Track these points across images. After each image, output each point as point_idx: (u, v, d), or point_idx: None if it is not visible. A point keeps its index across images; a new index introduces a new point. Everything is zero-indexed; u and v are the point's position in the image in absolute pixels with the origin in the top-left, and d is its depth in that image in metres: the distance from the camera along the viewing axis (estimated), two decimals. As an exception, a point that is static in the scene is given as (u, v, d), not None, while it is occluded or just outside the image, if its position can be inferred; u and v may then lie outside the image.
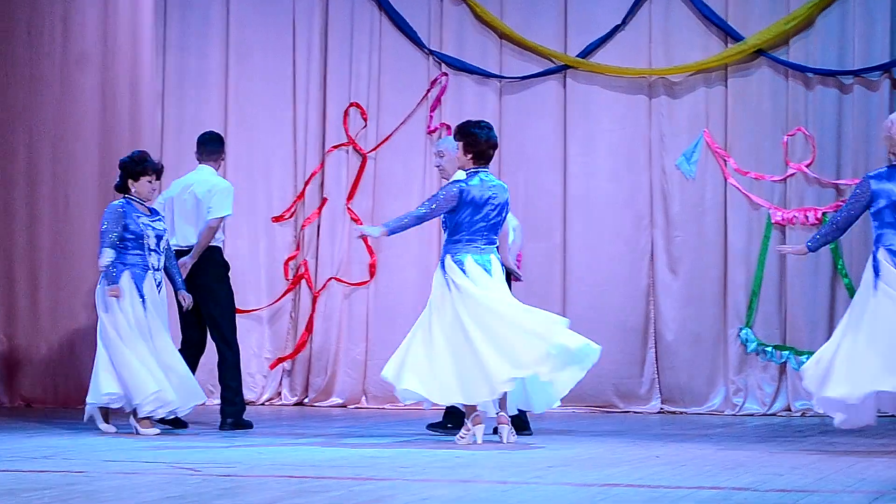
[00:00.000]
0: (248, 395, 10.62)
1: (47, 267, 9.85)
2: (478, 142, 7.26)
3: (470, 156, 7.28)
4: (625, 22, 10.22)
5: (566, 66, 10.32)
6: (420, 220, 7.27)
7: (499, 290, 7.16)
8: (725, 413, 9.90)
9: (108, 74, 9.97)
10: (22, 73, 9.90)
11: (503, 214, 7.32)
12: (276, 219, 10.64)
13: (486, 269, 7.16)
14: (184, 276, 8.00)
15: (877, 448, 6.80)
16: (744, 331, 9.94)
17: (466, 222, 7.18)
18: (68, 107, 9.94)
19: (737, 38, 10.05)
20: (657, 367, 10.09)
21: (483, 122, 7.44)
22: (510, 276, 7.64)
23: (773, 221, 9.83)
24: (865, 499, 4.79)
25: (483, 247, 7.20)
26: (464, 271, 7.12)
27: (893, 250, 6.78)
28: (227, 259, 8.38)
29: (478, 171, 7.26)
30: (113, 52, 10.01)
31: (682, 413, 9.95)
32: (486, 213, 7.19)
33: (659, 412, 10.00)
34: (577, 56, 10.28)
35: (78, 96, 9.92)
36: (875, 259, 6.79)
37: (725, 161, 10.02)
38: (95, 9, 9.99)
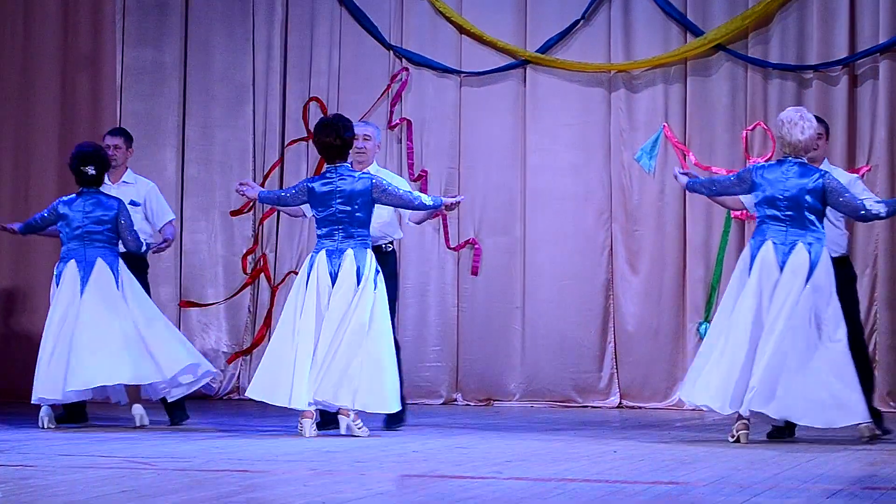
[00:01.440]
0: (205, 389, 10.59)
1: (5, 260, 9.78)
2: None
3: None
4: (584, 17, 10.24)
5: (526, 62, 10.33)
6: None
7: None
8: (684, 408, 9.93)
9: (68, 68, 9.91)
10: (-18, 67, 9.85)
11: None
12: (234, 213, 10.60)
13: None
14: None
15: (835, 444, 6.83)
16: (703, 325, 9.98)
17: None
18: (30, 100, 9.88)
19: (696, 33, 10.09)
20: (616, 362, 10.12)
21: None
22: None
23: (732, 216, 9.87)
24: (823, 494, 4.80)
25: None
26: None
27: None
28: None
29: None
30: (73, 46, 9.94)
31: (640, 408, 9.98)
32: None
33: (618, 407, 10.03)
34: (537, 51, 10.29)
35: (38, 90, 9.85)
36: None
37: (685, 155, 10.06)
38: (56, 6, 9.93)
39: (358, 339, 7.00)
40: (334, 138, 7.17)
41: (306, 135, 10.59)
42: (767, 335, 6.75)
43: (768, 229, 6.90)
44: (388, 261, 7.63)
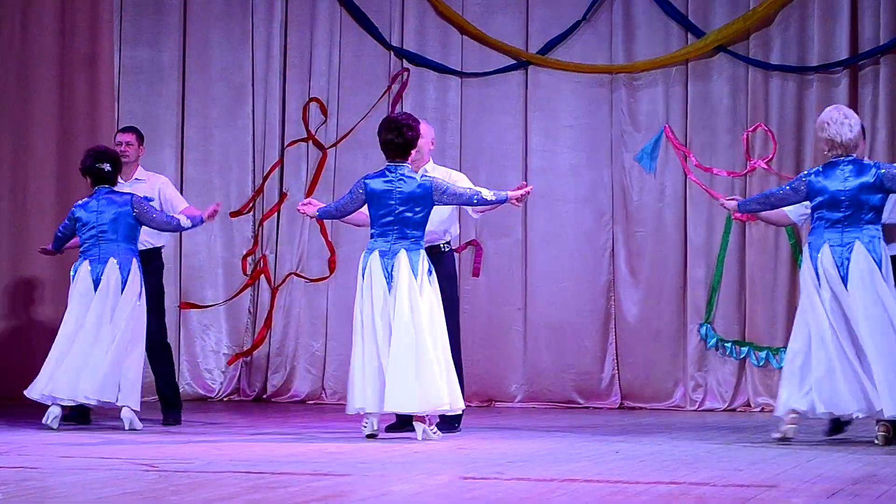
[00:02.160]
0: (205, 391, 10.60)
1: (5, 259, 9.77)
2: None
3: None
4: (585, 18, 10.24)
5: (527, 63, 10.32)
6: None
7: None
8: (685, 409, 9.95)
9: (66, 69, 9.90)
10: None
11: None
12: (234, 214, 10.59)
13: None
14: None
15: (835, 444, 6.84)
16: (704, 326, 9.98)
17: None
18: (28, 101, 9.88)
19: (697, 34, 10.08)
20: (617, 363, 10.12)
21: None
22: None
23: (733, 217, 9.87)
24: (823, 494, 4.81)
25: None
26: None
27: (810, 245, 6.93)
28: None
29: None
30: (71, 47, 9.94)
31: (641, 409, 9.98)
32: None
33: (619, 408, 10.03)
34: (538, 52, 10.29)
35: (36, 90, 9.84)
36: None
37: (686, 156, 10.06)
38: (54, 5, 9.92)
39: (421, 342, 6.92)
40: (396, 135, 7.08)
41: (306, 135, 10.59)
42: (850, 336, 6.73)
43: (824, 232, 6.85)
44: (446, 261, 7.55)
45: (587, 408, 10.02)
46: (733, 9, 10.05)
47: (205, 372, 10.61)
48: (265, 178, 10.60)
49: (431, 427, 7.00)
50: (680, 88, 10.14)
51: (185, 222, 7.79)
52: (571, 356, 10.17)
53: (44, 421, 7.54)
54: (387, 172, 7.12)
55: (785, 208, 7.24)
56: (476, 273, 10.30)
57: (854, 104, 9.78)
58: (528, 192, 7.20)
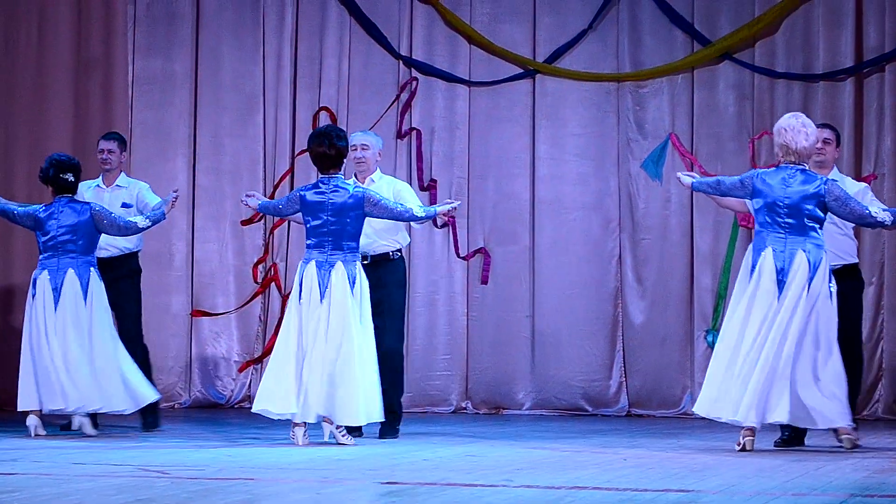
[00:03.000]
0: (216, 398, 10.64)
1: (21, 270, 9.79)
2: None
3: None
4: (592, 26, 10.28)
5: (535, 71, 10.36)
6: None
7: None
8: (693, 416, 9.94)
9: (80, 78, 9.96)
10: (-1, 79, 9.91)
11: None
12: (245, 222, 10.63)
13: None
14: None
15: (844, 451, 6.83)
16: (711, 333, 10.00)
17: None
18: (43, 111, 9.93)
19: (703, 41, 10.12)
20: (624, 370, 10.14)
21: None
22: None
23: (739, 223, 9.90)
24: (833, 502, 4.81)
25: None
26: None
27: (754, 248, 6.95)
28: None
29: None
30: (85, 56, 9.99)
31: (649, 416, 9.99)
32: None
33: (626, 415, 10.05)
34: (545, 61, 10.33)
35: (51, 99, 9.90)
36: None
37: (692, 164, 10.09)
38: (70, 15, 9.98)
39: (335, 351, 7.01)
40: (328, 147, 7.18)
41: (316, 144, 10.63)
42: (777, 344, 6.77)
43: (768, 236, 6.89)
44: (396, 269, 7.67)
45: (595, 415, 10.05)
46: (739, 16, 10.08)
47: (216, 379, 10.65)
48: (276, 187, 10.64)
49: (340, 430, 7.08)
50: (686, 96, 10.17)
51: (143, 223, 7.74)
52: (579, 363, 10.19)
53: (30, 432, 7.57)
54: (320, 184, 7.24)
55: (746, 201, 7.26)
56: (484, 280, 10.34)
57: (859, 111, 9.82)
58: (455, 208, 7.38)
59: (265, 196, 10.60)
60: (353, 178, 7.66)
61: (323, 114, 10.63)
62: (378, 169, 7.81)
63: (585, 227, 10.27)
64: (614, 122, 10.27)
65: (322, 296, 7.07)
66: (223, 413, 10.15)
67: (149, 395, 7.73)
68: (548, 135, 10.36)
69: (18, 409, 7.66)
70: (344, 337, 7.03)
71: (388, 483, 5.35)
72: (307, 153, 7.42)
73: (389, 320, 7.53)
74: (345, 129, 10.54)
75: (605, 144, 10.28)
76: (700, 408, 6.99)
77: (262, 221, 10.68)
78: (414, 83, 10.51)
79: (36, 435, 7.53)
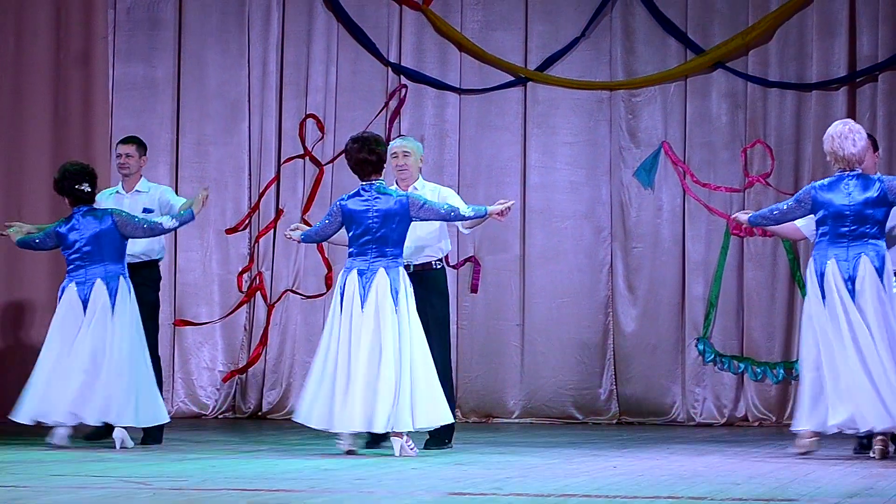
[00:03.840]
0: (200, 408, 10.60)
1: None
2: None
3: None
4: (585, 34, 10.27)
5: (526, 79, 10.35)
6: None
7: None
8: (683, 423, 9.98)
9: (59, 84, 9.92)
10: (-23, 83, 9.86)
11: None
12: (230, 231, 10.60)
13: None
14: None
15: (833, 457, 6.86)
16: (702, 341, 10.01)
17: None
18: (22, 118, 9.89)
19: (696, 50, 10.12)
20: (615, 379, 10.15)
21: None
22: None
23: (731, 232, 9.90)
24: (823, 507, 4.82)
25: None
26: None
27: (814, 258, 6.93)
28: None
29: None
30: (65, 63, 9.96)
31: (640, 423, 10.01)
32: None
33: (617, 423, 10.07)
34: (536, 69, 10.32)
35: (31, 107, 9.86)
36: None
37: (684, 172, 10.08)
38: (49, 19, 9.95)
39: (403, 361, 6.91)
40: (368, 153, 7.05)
41: (303, 152, 10.61)
42: (863, 350, 6.73)
43: (829, 246, 6.85)
44: (437, 278, 7.50)
45: (585, 423, 10.08)
46: (732, 25, 10.10)
47: (199, 389, 10.61)
48: (261, 195, 10.62)
49: (408, 443, 6.99)
50: (679, 105, 10.18)
51: (169, 223, 7.64)
52: (569, 372, 10.20)
53: (53, 441, 7.49)
54: (362, 192, 7.10)
55: (797, 222, 7.23)
56: (474, 289, 10.33)
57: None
58: (510, 207, 7.22)
59: (249, 204, 10.61)
60: (395, 185, 7.49)
61: (310, 121, 10.60)
62: (421, 176, 7.64)
63: (577, 236, 10.27)
64: (606, 131, 10.27)
65: (363, 304, 6.96)
66: (207, 423, 10.11)
67: (158, 416, 7.59)
68: (539, 143, 10.36)
69: (13, 418, 7.56)
70: (384, 344, 6.91)
71: (376, 492, 5.32)
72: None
73: (435, 333, 7.30)
74: (332, 136, 10.57)
75: (597, 153, 10.28)
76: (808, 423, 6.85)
77: (248, 230, 10.64)
78: (403, 90, 10.49)
79: (60, 446, 7.43)
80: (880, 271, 6.78)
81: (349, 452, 7.00)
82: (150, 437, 7.83)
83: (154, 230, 7.65)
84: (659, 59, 10.22)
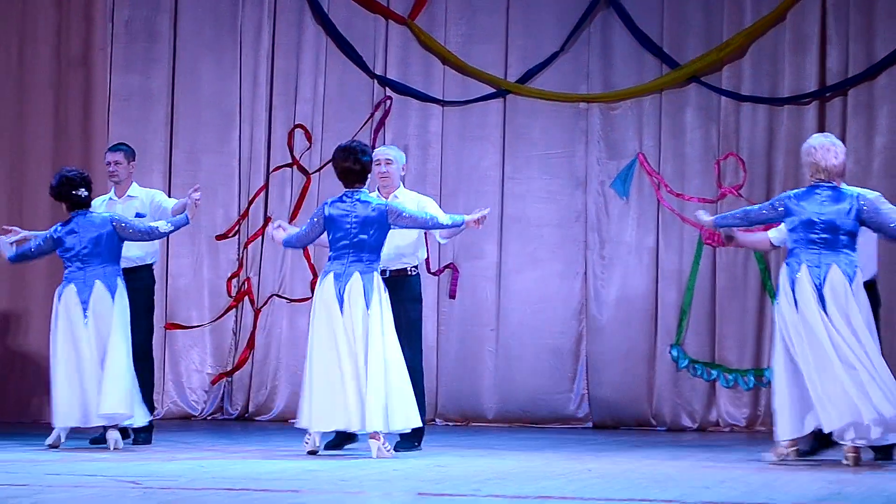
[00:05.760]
0: (189, 410, 10.69)
1: (1, 282, 9.81)
2: None
3: None
4: (563, 48, 10.40)
5: (506, 91, 10.48)
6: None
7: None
8: (656, 428, 10.06)
9: (60, 93, 10.01)
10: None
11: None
12: (220, 237, 10.69)
13: None
14: None
15: (802, 463, 6.91)
16: (675, 348, 10.12)
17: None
18: (23, 127, 9.96)
19: (672, 65, 10.26)
20: (588, 384, 10.20)
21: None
22: None
23: (703, 242, 10.03)
24: (789, 511, 4.92)
25: None
26: None
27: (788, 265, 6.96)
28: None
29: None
30: (66, 72, 10.05)
31: (613, 428, 10.05)
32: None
33: (591, 427, 10.10)
34: (517, 81, 10.45)
35: (32, 116, 9.94)
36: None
37: (659, 183, 10.22)
38: (50, 30, 10.04)
39: (372, 363, 7.04)
40: (353, 162, 7.22)
41: (291, 161, 10.72)
42: (841, 355, 6.75)
43: (801, 253, 6.89)
44: (412, 284, 7.63)
45: (560, 427, 10.10)
46: (707, 41, 10.21)
47: (189, 391, 10.69)
48: (250, 203, 10.70)
49: (385, 444, 7.10)
50: (654, 117, 10.29)
51: (164, 227, 7.74)
52: (544, 376, 10.26)
53: (49, 442, 7.57)
54: (345, 198, 7.26)
55: (769, 232, 7.30)
56: (452, 295, 10.43)
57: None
58: (486, 216, 7.35)
59: (238, 211, 10.69)
60: (377, 192, 7.64)
61: (298, 131, 10.71)
62: (402, 184, 7.80)
63: (553, 244, 10.36)
64: (583, 142, 10.38)
65: (341, 307, 7.09)
66: (196, 424, 10.17)
67: (142, 416, 7.66)
68: (518, 153, 10.46)
69: (56, 425, 7.56)
70: (359, 346, 7.05)
71: (359, 493, 5.39)
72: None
73: (406, 336, 7.41)
74: (319, 146, 10.67)
75: (574, 163, 10.39)
76: (788, 432, 6.86)
77: (237, 236, 10.74)
78: (388, 102, 10.60)
79: (51, 446, 7.49)
80: (851, 280, 6.81)
81: (311, 453, 7.09)
82: (141, 439, 7.93)
83: (151, 234, 7.76)
84: (636, 74, 10.33)
